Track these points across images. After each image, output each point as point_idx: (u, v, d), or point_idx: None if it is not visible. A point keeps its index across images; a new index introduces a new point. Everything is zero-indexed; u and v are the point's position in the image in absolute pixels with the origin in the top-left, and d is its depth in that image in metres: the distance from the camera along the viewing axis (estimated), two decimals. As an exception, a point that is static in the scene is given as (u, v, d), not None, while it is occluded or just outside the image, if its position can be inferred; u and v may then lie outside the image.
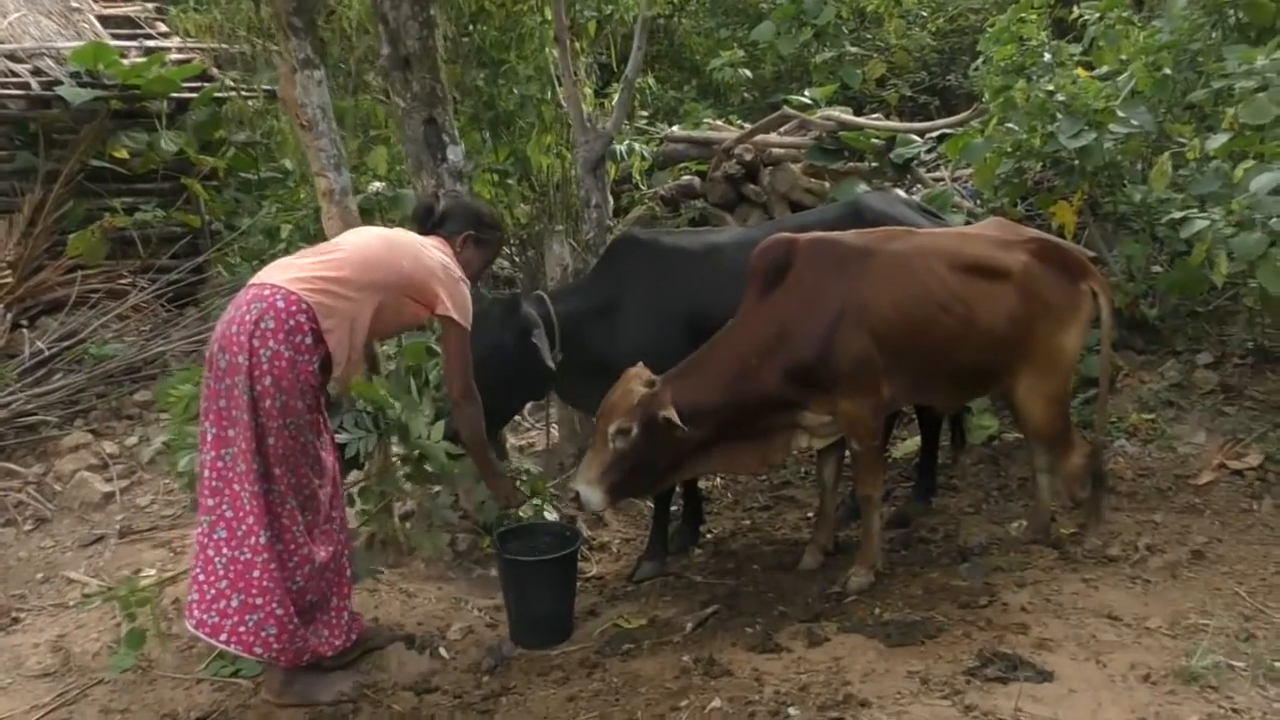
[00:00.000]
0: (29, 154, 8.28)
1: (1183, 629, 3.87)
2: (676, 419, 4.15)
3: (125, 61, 8.66)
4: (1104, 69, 6.55)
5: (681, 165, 9.52)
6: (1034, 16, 6.92)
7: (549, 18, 7.45)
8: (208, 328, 6.12)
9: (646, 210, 9.04)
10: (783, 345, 4.29)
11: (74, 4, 9.74)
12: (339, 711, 3.88)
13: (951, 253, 4.44)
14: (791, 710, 3.48)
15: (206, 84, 8.83)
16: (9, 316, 7.54)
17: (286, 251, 6.58)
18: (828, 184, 8.40)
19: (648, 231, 6.38)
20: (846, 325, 4.26)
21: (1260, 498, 5.00)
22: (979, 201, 7.28)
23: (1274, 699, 3.38)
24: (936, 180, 8.31)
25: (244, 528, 3.61)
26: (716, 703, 3.57)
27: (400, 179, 7.16)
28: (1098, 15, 6.77)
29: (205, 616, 3.66)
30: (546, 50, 7.85)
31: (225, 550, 3.64)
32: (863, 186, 7.78)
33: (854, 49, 10.59)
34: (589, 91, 8.11)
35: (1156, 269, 6.39)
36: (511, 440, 6.29)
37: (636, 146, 8.81)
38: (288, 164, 8.42)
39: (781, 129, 8.97)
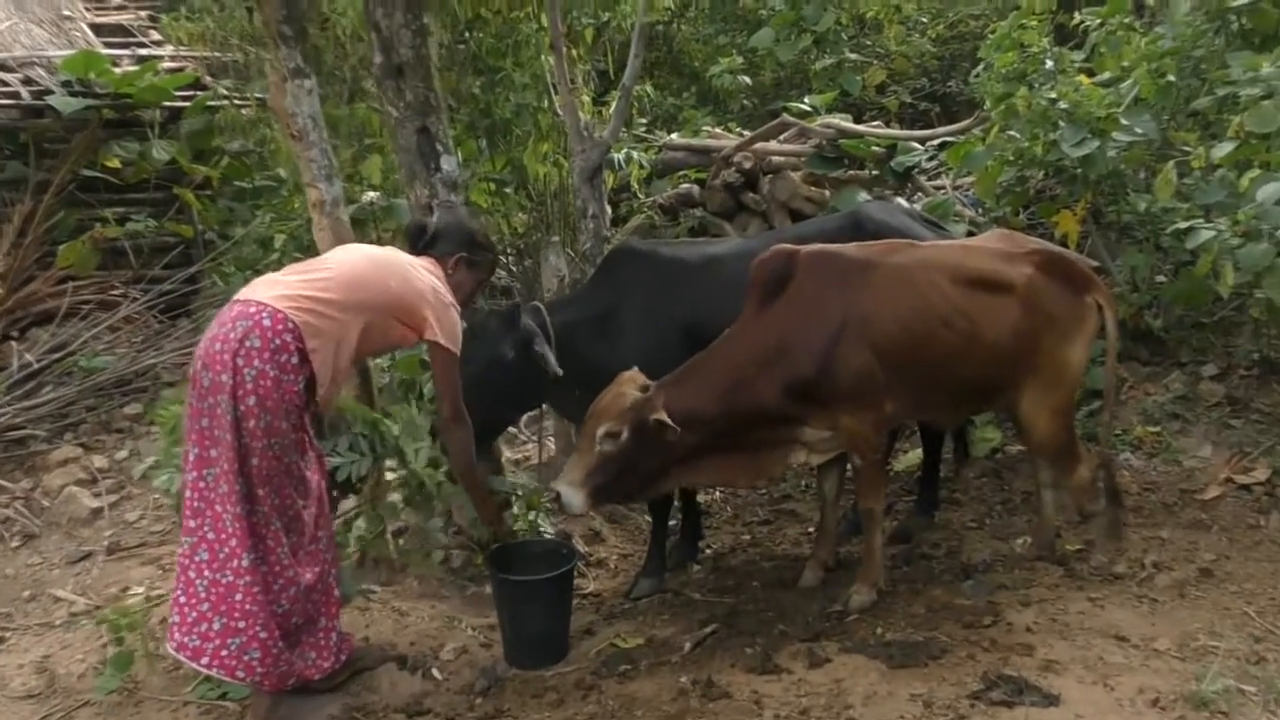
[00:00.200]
0: (19, 164, 8.19)
1: (1191, 651, 3.81)
2: (668, 420, 4.07)
3: (117, 70, 8.59)
4: (1106, 76, 6.50)
5: (680, 173, 9.45)
6: (1035, 23, 6.89)
7: (545, 25, 7.39)
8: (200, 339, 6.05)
9: (645, 219, 8.98)
10: (782, 359, 4.23)
11: (66, 12, 9.67)
12: (327, 735, 3.81)
13: (954, 266, 4.37)
14: (791, 735, 3.42)
15: (199, 92, 8.76)
16: (-2, 328, 7.47)
17: (280, 261, 6.54)
18: (828, 192, 8.33)
19: (645, 242, 6.36)
20: (847, 340, 4.19)
21: (1268, 513, 4.94)
22: (981, 210, 7.24)
23: (1287, 725, 3.32)
24: (938, 189, 8.29)
25: (226, 550, 3.56)
26: (714, 727, 3.51)
27: (395, 188, 7.09)
28: (1099, 22, 6.72)
29: (186, 639, 3.60)
30: (543, 58, 7.80)
31: (207, 572, 3.58)
32: (863, 195, 7.72)
33: (854, 56, 10.54)
34: (586, 99, 8.05)
35: (1161, 279, 6.35)
36: (507, 454, 6.22)
37: (635, 155, 8.75)
38: (282, 173, 8.34)
39: (781, 136, 8.90)
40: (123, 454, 6.65)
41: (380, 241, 6.35)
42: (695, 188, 9.17)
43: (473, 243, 4.31)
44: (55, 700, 4.28)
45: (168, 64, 9.18)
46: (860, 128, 8.62)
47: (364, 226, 6.52)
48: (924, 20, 13.64)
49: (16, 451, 6.60)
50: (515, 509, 4.89)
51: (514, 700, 4.00)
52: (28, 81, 8.41)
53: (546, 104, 7.97)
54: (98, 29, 9.92)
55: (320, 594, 3.82)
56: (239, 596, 3.56)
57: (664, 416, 4.09)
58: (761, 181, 8.70)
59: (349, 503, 4.52)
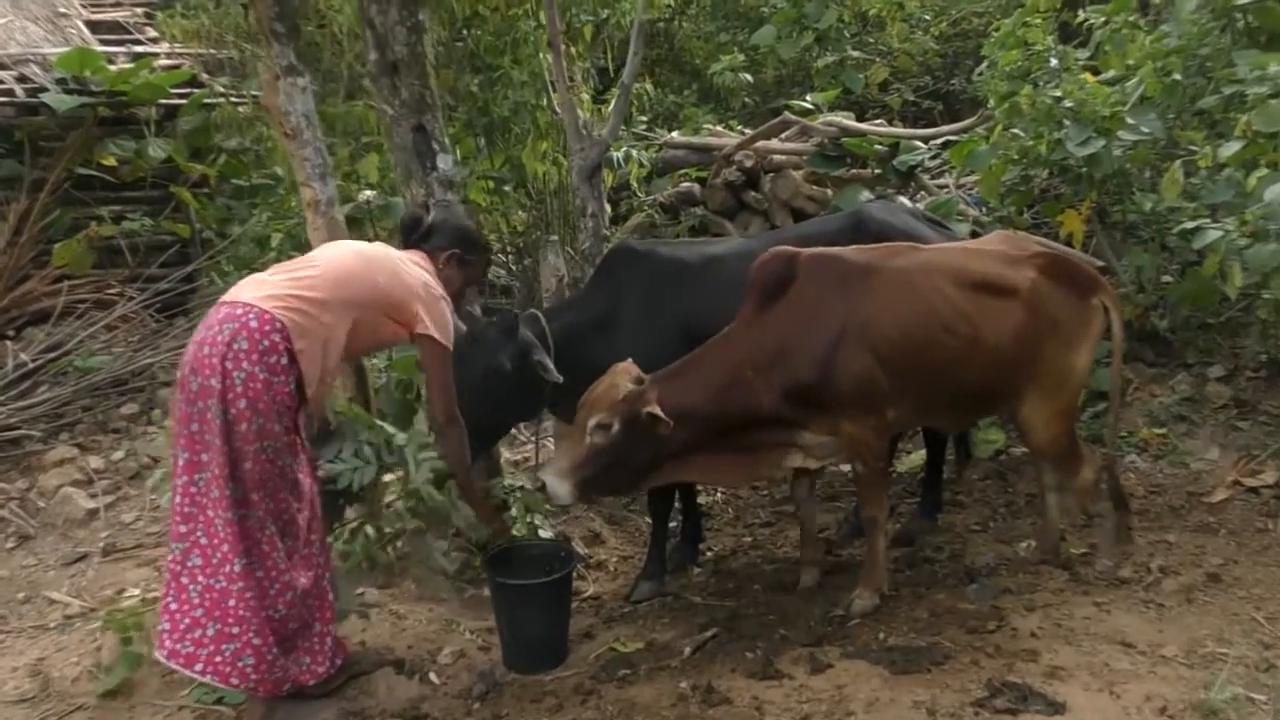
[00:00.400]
0: (14, 162, 8.11)
1: (1199, 658, 3.77)
2: (661, 414, 4.02)
3: (113, 67, 8.53)
4: (1111, 74, 6.47)
5: (681, 172, 9.41)
6: (1040, 20, 6.86)
7: (544, 22, 7.35)
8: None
9: (645, 218, 8.93)
10: (781, 363, 4.18)
11: (61, 9, 9.62)
12: (322, 741, 3.77)
13: (956, 270, 4.33)
14: (792, 744, 3.38)
15: (196, 90, 8.70)
16: (-7, 328, 7.42)
17: (278, 260, 6.48)
18: (830, 191, 8.30)
19: (643, 242, 6.33)
20: (847, 345, 4.15)
21: (1276, 517, 4.90)
22: (984, 210, 7.20)
23: (1297, 735, 3.27)
24: (941, 188, 8.25)
25: (219, 555, 3.52)
26: (714, 734, 3.47)
27: (392, 187, 7.05)
28: (1104, 19, 6.69)
29: (179, 646, 3.56)
30: (541, 55, 7.76)
31: (200, 578, 3.54)
32: (866, 194, 7.69)
33: (856, 53, 10.51)
34: (586, 97, 8.03)
35: (1167, 279, 6.32)
36: (506, 455, 6.17)
37: (634, 153, 8.71)
38: (279, 171, 8.29)
39: (783, 135, 8.86)
40: (119, 454, 6.59)
41: (377, 240, 6.30)
42: (696, 186, 9.13)
43: (467, 241, 4.26)
44: (49, 704, 4.22)
45: (164, 61, 9.10)
46: (863, 126, 8.59)
47: (360, 225, 6.47)
48: (927, 17, 13.64)
49: (11, 452, 6.53)
50: (514, 511, 4.85)
51: (512, 705, 3.95)
52: (23, 79, 8.33)
53: (545, 102, 7.93)
54: (93, 26, 9.86)
55: (315, 598, 3.77)
56: (232, 602, 3.52)
57: (657, 410, 4.03)
58: (763, 180, 8.66)
59: (351, 511, 4.47)
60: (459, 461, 4.10)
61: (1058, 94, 5.96)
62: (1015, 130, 6.27)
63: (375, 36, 5.00)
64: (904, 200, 7.52)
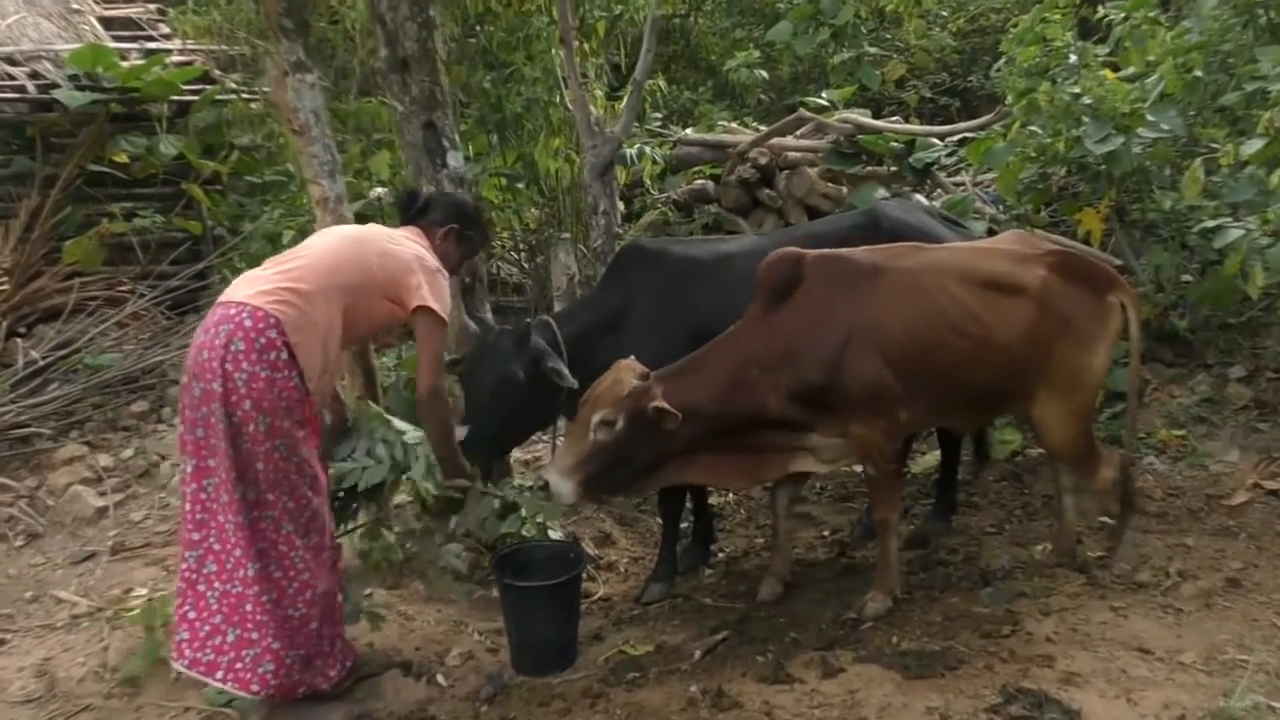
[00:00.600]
0: (26, 158, 8.13)
1: (1219, 664, 3.70)
2: (668, 407, 3.97)
3: (125, 64, 8.53)
4: (1131, 70, 6.42)
5: (695, 169, 9.37)
6: (1058, 16, 6.81)
7: (557, 18, 7.31)
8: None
9: (659, 215, 8.89)
10: (788, 365, 4.14)
11: (75, 6, 9.64)
12: (330, 744, 3.76)
13: (965, 269, 4.27)
14: (803, 750, 3.34)
15: (208, 86, 8.69)
16: (4, 325, 7.40)
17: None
18: (845, 189, 8.26)
19: (655, 240, 6.30)
20: (855, 347, 4.10)
21: (1297, 520, 4.81)
22: (1001, 208, 7.15)
23: (1319, 745, 3.20)
24: (957, 185, 8.20)
25: (232, 560, 3.50)
26: (724, 739, 3.44)
27: (404, 184, 7.03)
28: (1124, 15, 6.63)
29: (199, 655, 3.55)
30: (554, 51, 7.73)
31: (217, 584, 3.54)
32: (881, 191, 7.65)
33: (872, 50, 10.46)
34: (599, 94, 8.00)
35: (1187, 279, 6.26)
36: (517, 454, 6.13)
37: (647, 150, 8.67)
38: (291, 168, 8.28)
39: (798, 132, 8.82)
40: (128, 452, 6.59)
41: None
42: (710, 183, 9.09)
43: (465, 216, 4.24)
44: (55, 705, 4.20)
45: (176, 58, 9.10)
46: (879, 123, 8.55)
47: (371, 221, 6.45)
48: (944, 14, 13.59)
49: (21, 449, 6.53)
50: (524, 511, 4.80)
51: (520, 708, 3.92)
52: (35, 75, 8.37)
53: (558, 99, 7.91)
54: (106, 22, 9.89)
55: (330, 599, 3.75)
56: (249, 607, 3.51)
57: (664, 404, 3.98)
58: (778, 177, 8.62)
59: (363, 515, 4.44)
60: (440, 436, 4.05)
61: (1076, 91, 5.91)
62: (1033, 127, 6.22)
63: (386, 33, 4.99)
64: (920, 198, 7.47)
